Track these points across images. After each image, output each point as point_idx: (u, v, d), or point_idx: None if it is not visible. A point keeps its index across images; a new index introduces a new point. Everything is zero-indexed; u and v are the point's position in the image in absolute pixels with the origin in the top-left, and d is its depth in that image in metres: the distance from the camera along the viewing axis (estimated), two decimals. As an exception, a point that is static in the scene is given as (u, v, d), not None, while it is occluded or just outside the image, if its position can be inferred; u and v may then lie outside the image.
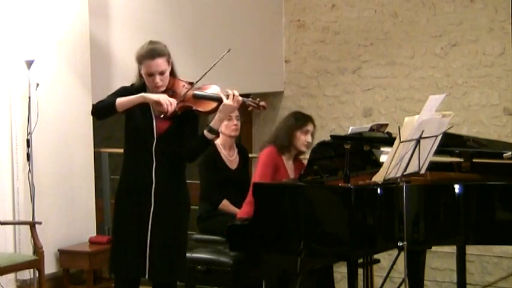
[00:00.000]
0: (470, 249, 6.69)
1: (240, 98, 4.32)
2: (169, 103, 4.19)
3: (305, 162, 5.22)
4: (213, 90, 4.34)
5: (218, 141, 5.67)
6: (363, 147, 5.18)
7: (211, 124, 4.28)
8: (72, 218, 6.47)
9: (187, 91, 4.27)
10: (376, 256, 5.08)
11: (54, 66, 6.33)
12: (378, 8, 8.67)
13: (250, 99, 4.38)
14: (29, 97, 6.07)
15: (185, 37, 7.65)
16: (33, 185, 6.10)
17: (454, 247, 5.64)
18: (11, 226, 6.09)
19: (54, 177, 6.33)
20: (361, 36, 8.76)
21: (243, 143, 7.12)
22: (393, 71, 8.63)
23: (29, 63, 6.04)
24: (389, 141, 4.91)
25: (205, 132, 4.28)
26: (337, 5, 8.87)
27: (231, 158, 5.69)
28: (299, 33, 9.09)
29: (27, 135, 6.09)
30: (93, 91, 6.54)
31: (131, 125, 4.34)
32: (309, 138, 5.24)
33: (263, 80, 8.96)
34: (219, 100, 4.29)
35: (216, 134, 4.34)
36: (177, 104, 4.23)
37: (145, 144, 4.28)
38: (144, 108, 4.27)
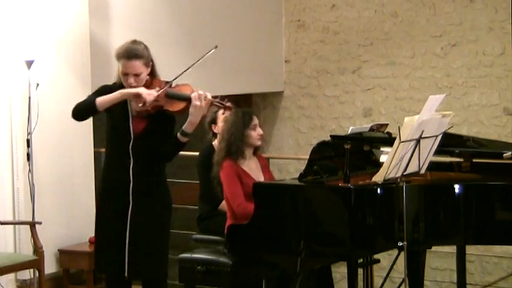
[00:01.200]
0: (470, 249, 6.69)
1: (209, 99, 4.27)
2: (147, 94, 4.22)
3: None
4: (185, 90, 4.33)
5: (216, 142, 5.68)
6: (363, 147, 5.17)
7: (183, 127, 4.29)
8: (72, 218, 6.47)
9: (161, 90, 4.28)
10: (376, 256, 5.07)
11: (54, 66, 6.33)
12: (378, 8, 8.67)
13: (217, 100, 4.33)
14: (29, 97, 6.07)
15: (185, 37, 7.65)
16: (33, 185, 6.10)
17: (454, 247, 5.64)
18: (11, 226, 6.09)
19: (54, 177, 6.33)
20: (361, 36, 8.76)
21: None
22: (393, 71, 8.63)
23: (29, 63, 6.04)
24: (389, 141, 4.91)
25: (178, 135, 4.30)
26: (337, 5, 8.87)
27: (229, 158, 5.68)
28: (299, 33, 9.09)
29: (27, 135, 6.09)
30: (93, 91, 6.53)
31: (110, 124, 4.40)
32: (259, 131, 5.14)
33: (263, 80, 8.96)
34: (188, 100, 4.28)
35: (190, 136, 4.31)
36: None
37: (123, 143, 4.32)
38: (121, 107, 4.31)
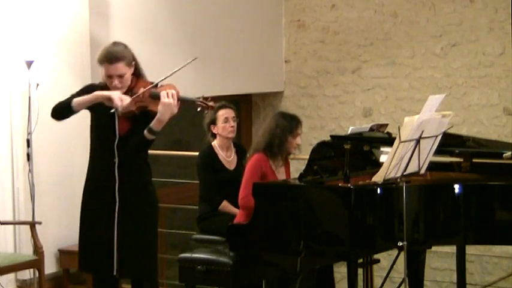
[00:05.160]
0: (470, 249, 6.69)
1: (175, 96, 4.21)
2: (119, 99, 4.21)
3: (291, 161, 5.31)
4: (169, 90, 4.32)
5: (215, 143, 5.69)
6: (363, 147, 5.17)
7: (151, 125, 4.26)
8: (72, 218, 6.43)
9: (144, 91, 4.28)
10: (376, 256, 5.07)
11: (54, 66, 6.33)
12: (378, 8, 8.67)
13: (200, 99, 4.32)
14: (29, 97, 6.07)
15: (185, 37, 7.65)
16: (33, 185, 6.10)
17: (454, 247, 5.64)
18: (11, 226, 6.09)
19: (54, 177, 6.33)
20: (361, 36, 8.77)
21: (243, 143, 7.12)
22: (393, 71, 8.63)
23: (29, 64, 6.04)
24: (389, 141, 4.91)
25: (145, 132, 4.28)
26: (337, 5, 8.87)
27: (228, 158, 5.69)
28: (299, 33, 9.09)
29: (27, 135, 6.09)
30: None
31: (95, 123, 4.42)
32: (299, 140, 5.21)
33: (263, 80, 8.96)
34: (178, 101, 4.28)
35: (156, 134, 4.29)
36: (135, 103, 4.26)
37: (108, 143, 4.33)
38: (107, 107, 4.31)
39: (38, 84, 6.12)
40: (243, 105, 9.13)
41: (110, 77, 4.30)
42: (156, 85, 4.34)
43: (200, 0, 7.91)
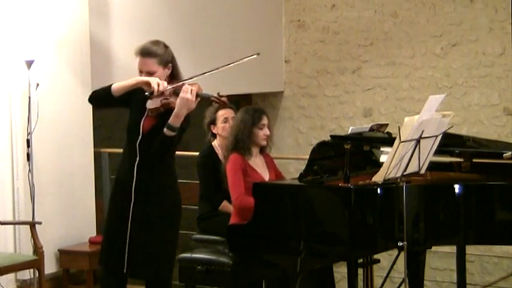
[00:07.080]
0: (470, 249, 6.70)
1: (194, 92, 4.24)
2: (156, 83, 4.23)
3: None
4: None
5: (216, 143, 5.69)
6: (363, 147, 5.17)
7: (169, 121, 4.26)
8: (72, 218, 6.47)
9: (171, 87, 4.30)
10: (376, 256, 5.07)
11: (54, 66, 6.33)
12: (378, 8, 8.67)
13: (212, 94, 4.36)
14: (29, 97, 6.07)
15: (185, 37, 7.65)
16: (33, 185, 6.10)
17: (454, 247, 5.64)
18: (11, 226, 6.09)
19: (54, 177, 6.33)
20: (361, 36, 8.77)
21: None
22: (393, 71, 8.63)
23: (29, 63, 6.04)
24: (389, 141, 4.91)
25: (164, 129, 4.27)
26: (337, 5, 8.87)
27: (229, 158, 5.69)
28: (299, 33, 9.09)
29: (27, 135, 6.09)
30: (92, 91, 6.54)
31: (128, 121, 4.44)
32: (266, 131, 5.18)
33: (263, 80, 8.96)
34: (197, 97, 4.29)
35: (175, 130, 4.27)
36: (160, 100, 4.28)
37: (133, 141, 4.35)
38: (140, 106, 4.32)
39: (38, 84, 6.13)
40: (243, 105, 9.10)
41: (139, 71, 4.33)
42: (183, 83, 4.34)
43: (200, 1, 7.91)
